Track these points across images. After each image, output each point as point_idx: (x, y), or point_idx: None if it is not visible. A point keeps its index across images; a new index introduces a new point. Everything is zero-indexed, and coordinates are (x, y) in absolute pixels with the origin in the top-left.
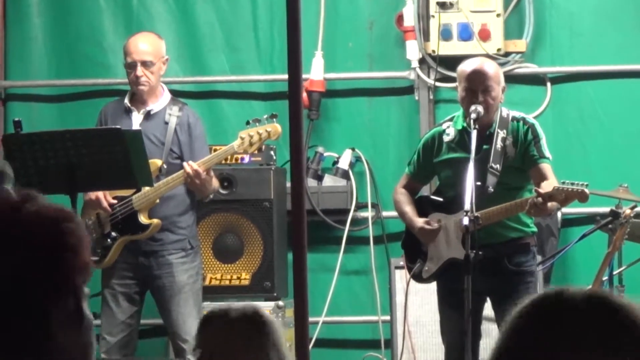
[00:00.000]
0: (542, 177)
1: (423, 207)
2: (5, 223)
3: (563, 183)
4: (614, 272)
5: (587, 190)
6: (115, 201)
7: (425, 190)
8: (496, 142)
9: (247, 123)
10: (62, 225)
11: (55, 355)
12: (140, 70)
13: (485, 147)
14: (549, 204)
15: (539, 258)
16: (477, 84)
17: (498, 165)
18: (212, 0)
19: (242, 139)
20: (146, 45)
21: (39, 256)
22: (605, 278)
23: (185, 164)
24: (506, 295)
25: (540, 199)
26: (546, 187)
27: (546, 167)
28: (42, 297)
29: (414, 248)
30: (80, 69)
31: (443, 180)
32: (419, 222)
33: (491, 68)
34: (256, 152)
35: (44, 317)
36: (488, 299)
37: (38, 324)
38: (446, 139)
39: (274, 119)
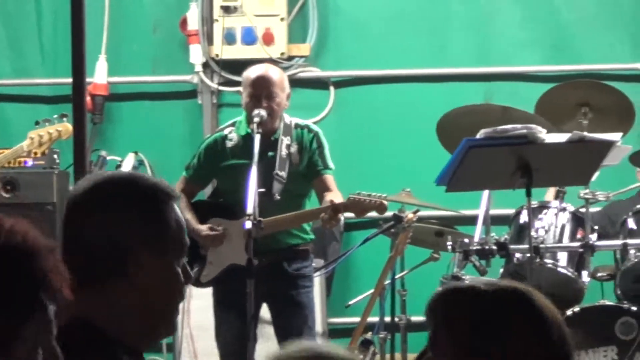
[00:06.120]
0: (326, 188)
1: (202, 211)
2: None
3: (359, 194)
4: (397, 276)
5: (385, 202)
6: None
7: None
8: (281, 149)
9: (37, 123)
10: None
11: None
12: None
13: (270, 154)
14: (339, 215)
15: (318, 263)
16: (261, 90)
17: (284, 173)
18: None
19: (32, 139)
20: None
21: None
22: (387, 282)
23: None
24: (285, 299)
25: (331, 212)
26: (333, 197)
27: (329, 178)
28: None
29: (191, 252)
30: None
31: (225, 185)
32: (203, 228)
33: (275, 74)
34: (40, 155)
35: None
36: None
37: None
38: (229, 144)
39: (64, 119)
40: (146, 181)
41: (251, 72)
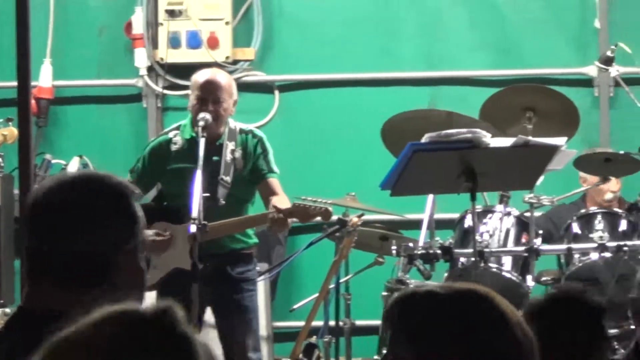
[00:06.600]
0: (271, 192)
1: (146, 215)
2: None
3: (304, 200)
4: (341, 280)
5: (330, 209)
6: None
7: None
8: (226, 154)
9: None
10: None
11: None
12: None
13: (215, 158)
14: (289, 220)
15: (263, 267)
16: (208, 94)
17: (228, 178)
18: None
19: None
20: None
21: None
22: (332, 286)
23: None
24: (229, 303)
25: (280, 215)
26: (279, 202)
27: (275, 181)
28: None
29: None
30: None
31: (170, 189)
32: (150, 233)
33: (224, 79)
34: None
35: None
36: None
37: None
38: (174, 148)
39: (10, 123)
40: (114, 179)
41: (200, 76)
